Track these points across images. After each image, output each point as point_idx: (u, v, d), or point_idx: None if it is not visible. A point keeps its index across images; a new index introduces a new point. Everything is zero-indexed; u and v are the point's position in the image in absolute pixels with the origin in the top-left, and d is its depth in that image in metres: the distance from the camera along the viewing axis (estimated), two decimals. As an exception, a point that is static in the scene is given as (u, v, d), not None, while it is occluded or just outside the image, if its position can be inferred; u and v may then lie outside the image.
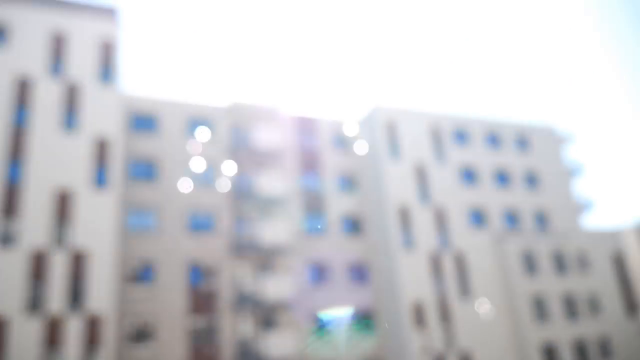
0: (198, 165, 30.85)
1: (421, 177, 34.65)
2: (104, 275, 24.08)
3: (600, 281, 37.20)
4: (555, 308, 34.20)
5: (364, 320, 31.76)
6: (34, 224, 23.74)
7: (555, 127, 42.30)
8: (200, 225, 29.79)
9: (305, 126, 34.92)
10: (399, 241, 32.07)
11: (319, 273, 31.84)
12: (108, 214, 25.05)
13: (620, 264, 39.12)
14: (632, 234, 52.72)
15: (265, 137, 31.69)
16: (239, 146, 31.10)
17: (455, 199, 35.10)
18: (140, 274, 27.61)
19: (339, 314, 30.75)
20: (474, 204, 35.76)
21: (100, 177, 25.74)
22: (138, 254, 27.68)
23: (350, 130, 36.13)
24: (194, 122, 31.71)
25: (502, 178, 38.07)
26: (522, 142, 40.17)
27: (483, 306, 32.59)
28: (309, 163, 34.04)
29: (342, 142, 35.79)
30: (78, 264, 23.93)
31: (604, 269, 37.88)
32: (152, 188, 29.23)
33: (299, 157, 33.78)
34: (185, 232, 29.10)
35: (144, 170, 29.61)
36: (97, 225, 24.68)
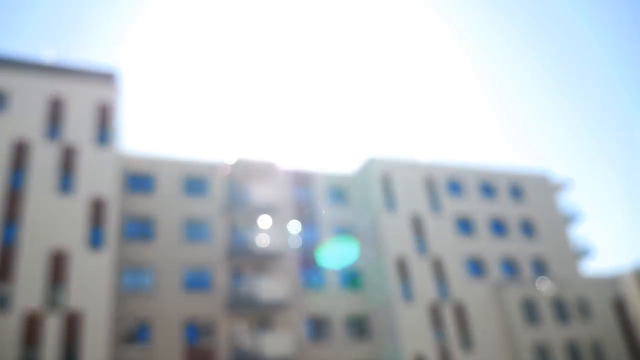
0: (194, 223, 30.99)
1: (417, 228, 34.75)
2: (99, 337, 23.72)
3: (603, 328, 36.64)
4: (559, 357, 33.53)
5: (365, 376, 31.04)
6: (28, 286, 23.59)
7: (549, 175, 42.80)
8: (196, 282, 29.60)
9: (301, 180, 35.34)
10: (398, 293, 31.80)
11: (318, 328, 31.39)
12: (103, 274, 24.96)
13: (621, 310, 38.63)
14: (631, 279, 52.29)
15: (261, 192, 31.98)
16: (235, 202, 31.33)
17: (452, 249, 35.09)
18: (135, 334, 27.19)
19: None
20: (471, 253, 35.72)
21: (95, 238, 25.80)
22: (133, 313, 27.36)
23: (345, 183, 36.54)
24: (189, 180, 32.10)
25: (498, 227, 38.18)
26: (517, 190, 40.57)
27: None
28: (306, 217, 34.21)
29: (338, 195, 36.12)
30: (72, 326, 23.62)
31: (605, 315, 37.39)
32: (147, 247, 29.23)
33: (295, 212, 33.98)
34: (181, 290, 28.88)
35: (139, 229, 29.71)
36: (92, 285, 24.54)
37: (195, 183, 32.23)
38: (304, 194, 35.12)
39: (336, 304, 32.20)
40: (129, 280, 28.16)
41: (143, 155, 31.55)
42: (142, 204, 30.16)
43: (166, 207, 30.63)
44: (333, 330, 31.42)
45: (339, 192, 36.44)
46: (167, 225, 30.15)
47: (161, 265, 29.02)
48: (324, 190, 35.65)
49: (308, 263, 32.79)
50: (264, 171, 34.21)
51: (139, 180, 30.89)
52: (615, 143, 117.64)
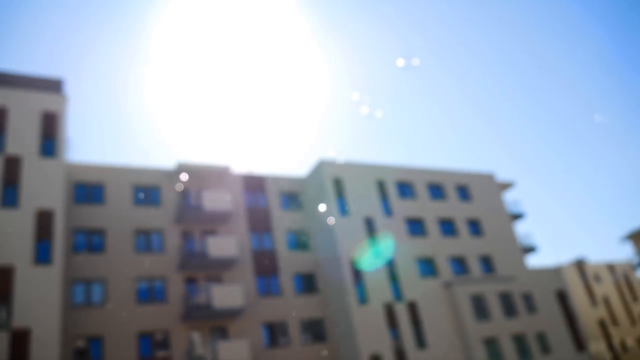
0: (146, 232, 30.48)
1: (370, 230, 35.41)
2: (49, 356, 22.96)
3: (547, 318, 38.48)
4: (508, 349, 34.95)
5: (323, 379, 31.37)
6: (-29, 306, 22.56)
7: (494, 175, 44.49)
8: (149, 294, 29.12)
9: (253, 185, 35.37)
10: (354, 295, 32.31)
11: (275, 334, 31.48)
12: (51, 290, 24.16)
13: (564, 300, 40.67)
14: (572, 270, 54.91)
15: (213, 198, 31.78)
16: (187, 210, 31.00)
17: (404, 249, 35.94)
18: (87, 351, 26.46)
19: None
20: (422, 253, 36.68)
21: (42, 252, 24.95)
22: (85, 329, 26.62)
23: (298, 186, 36.84)
24: (140, 188, 31.55)
25: (447, 227, 39.41)
26: (464, 191, 42.02)
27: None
28: (259, 223, 34.26)
29: (292, 199, 36.38)
30: (19, 346, 22.76)
31: (550, 306, 39.28)
32: (98, 259, 28.52)
33: (249, 218, 33.99)
34: (134, 303, 28.33)
35: (89, 242, 28.94)
36: (39, 302, 23.72)
37: (146, 192, 31.71)
38: (257, 199, 35.18)
39: (292, 309, 32.43)
40: (79, 294, 27.38)
41: (91, 165, 30.77)
42: (91, 216, 29.41)
43: (116, 217, 29.98)
44: (290, 335, 31.61)
45: (293, 196, 36.71)
46: (117, 237, 29.51)
47: (113, 278, 28.37)
48: (277, 195, 35.82)
49: (263, 269, 32.85)
50: (216, 176, 34.06)
51: (87, 191, 30.10)
52: (553, 147, 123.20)
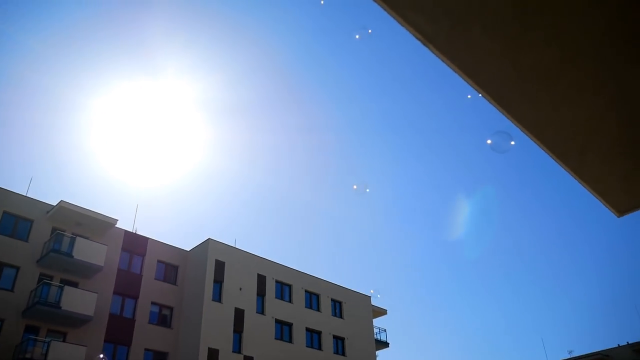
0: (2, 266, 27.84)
1: (239, 322, 34.64)
2: None
3: None
4: None
5: None
6: None
7: (368, 297, 45.90)
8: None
9: (134, 246, 33.94)
10: (202, 386, 30.76)
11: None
12: None
13: None
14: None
15: (87, 249, 29.95)
16: (53, 252, 28.85)
17: (268, 351, 35.23)
18: None
19: None
20: (285, 358, 36.10)
21: None
22: None
23: (179, 259, 35.84)
24: (10, 216, 29.27)
25: (314, 338, 39.47)
26: (339, 305, 42.74)
27: None
28: (128, 287, 32.46)
29: (168, 271, 35.15)
30: None
31: None
32: None
33: (118, 279, 32.17)
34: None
35: None
36: None
37: (15, 222, 29.41)
38: (133, 262, 33.64)
39: (134, 387, 30.11)
40: None
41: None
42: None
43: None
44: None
45: (171, 267, 35.52)
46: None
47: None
48: (155, 262, 34.51)
49: (115, 336, 30.63)
50: (99, 227, 32.35)
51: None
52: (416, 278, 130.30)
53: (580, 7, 2.62)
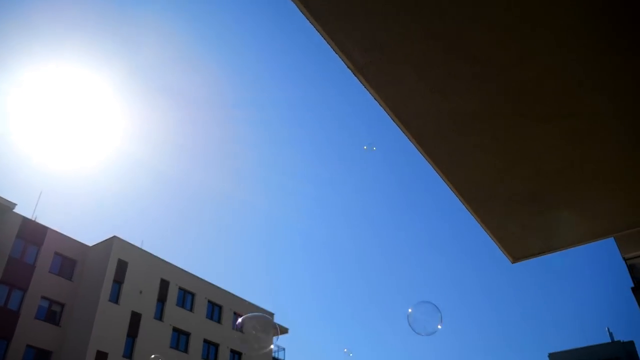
0: None
1: (135, 327, 33.13)
2: None
3: None
4: None
5: None
6: None
7: (271, 314, 45.55)
8: None
9: (30, 234, 31.63)
10: (84, 391, 28.97)
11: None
12: None
13: None
14: None
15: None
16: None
17: None
18: None
19: None
20: (177, 368, 34.92)
21: None
22: None
23: (79, 254, 33.88)
24: None
25: (212, 350, 38.47)
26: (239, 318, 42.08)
27: None
28: (17, 278, 30.10)
29: (65, 265, 33.09)
30: None
31: None
32: None
33: (7, 268, 29.76)
34: None
35: None
36: None
37: None
38: (27, 251, 31.33)
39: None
40: None
41: None
42: None
43: None
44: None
45: (69, 261, 33.45)
46: None
47: None
48: (52, 254, 32.35)
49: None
50: (-8, 211, 29.96)
51: None
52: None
53: (504, 65, 2.80)
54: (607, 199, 3.75)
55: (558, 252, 4.35)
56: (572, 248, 4.31)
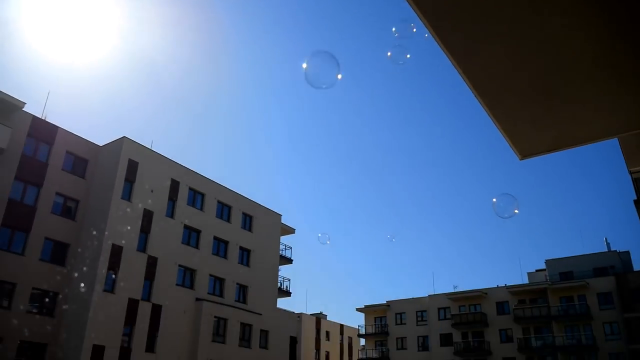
0: None
1: (147, 223, 34.39)
2: None
3: (275, 357, 41.09)
4: (230, 377, 36.31)
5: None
6: None
7: (279, 215, 46.92)
8: None
9: (42, 132, 31.98)
10: (103, 280, 30.70)
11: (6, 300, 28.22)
12: None
13: (294, 345, 44.10)
14: (310, 320, 59.98)
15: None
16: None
17: (172, 255, 35.50)
18: None
19: None
20: (187, 263, 36.58)
21: None
22: None
23: (90, 152, 34.41)
24: None
25: (221, 247, 40.17)
26: (249, 219, 43.45)
27: None
28: (30, 175, 30.83)
29: (77, 163, 33.74)
30: None
31: (281, 347, 42.14)
32: None
33: (21, 165, 30.38)
34: None
35: None
36: None
37: None
38: (39, 149, 31.82)
39: (29, 273, 29.44)
40: None
41: None
42: None
43: None
44: (14, 301, 28.53)
45: (80, 160, 34.07)
46: None
47: None
48: (63, 153, 32.90)
49: (13, 222, 29.41)
50: (5, 108, 29.99)
51: None
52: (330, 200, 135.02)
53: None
54: (622, 96, 3.71)
55: (565, 153, 4.38)
56: (582, 146, 4.33)
